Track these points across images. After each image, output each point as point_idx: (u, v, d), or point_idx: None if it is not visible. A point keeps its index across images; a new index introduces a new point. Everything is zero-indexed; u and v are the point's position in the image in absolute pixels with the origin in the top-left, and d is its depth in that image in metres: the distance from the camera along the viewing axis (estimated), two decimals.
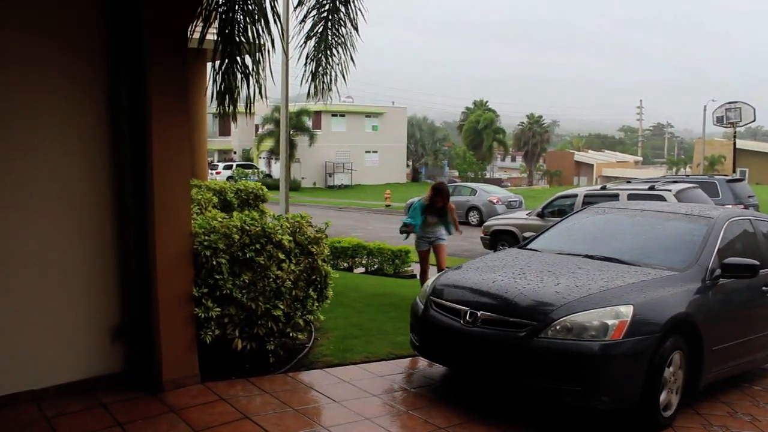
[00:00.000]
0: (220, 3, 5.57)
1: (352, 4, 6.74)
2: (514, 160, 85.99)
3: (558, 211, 15.07)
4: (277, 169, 40.79)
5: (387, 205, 36.39)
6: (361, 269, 13.64)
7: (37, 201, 5.05)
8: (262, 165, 54.55)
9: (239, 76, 5.72)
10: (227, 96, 5.72)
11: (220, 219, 5.96)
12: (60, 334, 5.19)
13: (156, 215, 5.25)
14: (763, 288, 6.18)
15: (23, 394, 5.03)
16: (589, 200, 13.90)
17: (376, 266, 13.51)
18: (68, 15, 5.13)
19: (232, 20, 5.54)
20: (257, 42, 5.59)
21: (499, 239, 16.43)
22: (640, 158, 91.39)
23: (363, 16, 6.85)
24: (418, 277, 10.77)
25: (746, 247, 6.41)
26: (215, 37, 5.64)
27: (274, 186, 29.84)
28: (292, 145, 41.22)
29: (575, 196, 15.43)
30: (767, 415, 5.66)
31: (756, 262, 5.80)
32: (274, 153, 46.86)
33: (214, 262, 5.57)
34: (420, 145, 67.79)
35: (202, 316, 5.52)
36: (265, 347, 6.02)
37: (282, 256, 5.96)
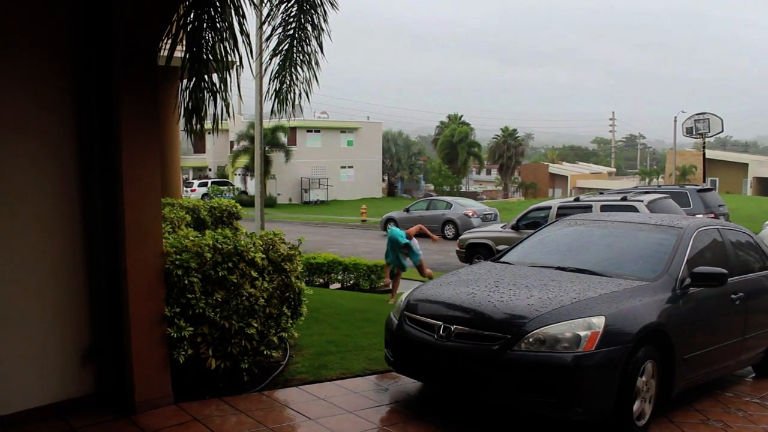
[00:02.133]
0: (188, 21, 5.57)
1: (318, 21, 6.79)
2: (489, 173, 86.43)
3: (532, 223, 15.17)
4: (252, 186, 40.61)
5: (363, 221, 36.35)
6: (337, 285, 13.63)
7: (5, 222, 4.98)
8: (237, 182, 54.32)
9: (207, 94, 5.71)
10: (195, 114, 5.71)
11: (192, 238, 5.93)
12: (28, 357, 5.10)
13: (127, 235, 5.20)
14: (732, 296, 6.27)
15: None
16: (563, 212, 14.03)
17: (352, 282, 13.51)
18: (36, 32, 5.08)
19: (200, 38, 5.54)
20: (225, 60, 5.59)
21: (474, 252, 16.48)
22: (614, 169, 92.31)
23: (329, 35, 6.91)
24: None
25: (715, 256, 6.50)
26: (183, 55, 5.63)
27: (249, 203, 29.75)
28: (267, 162, 41.17)
29: (549, 208, 15.54)
30: (739, 422, 5.73)
31: (725, 271, 5.89)
32: (249, 170, 46.67)
33: (186, 281, 5.53)
34: (396, 160, 67.92)
35: (175, 335, 5.47)
36: (240, 366, 5.98)
37: (255, 274, 5.94)
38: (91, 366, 5.44)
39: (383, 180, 65.86)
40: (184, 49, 5.63)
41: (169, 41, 5.43)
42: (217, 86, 5.75)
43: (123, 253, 5.23)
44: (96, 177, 5.34)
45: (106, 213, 5.35)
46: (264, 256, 6.03)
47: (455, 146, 66.10)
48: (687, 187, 18.51)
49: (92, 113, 5.29)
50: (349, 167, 59.22)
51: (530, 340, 4.94)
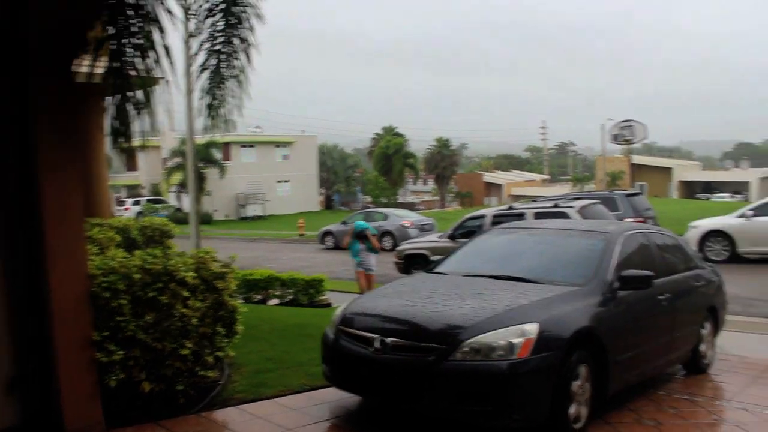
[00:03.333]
0: (108, 36, 5.43)
1: (246, 35, 6.73)
2: (426, 183, 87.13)
3: (468, 232, 15.30)
4: (187, 203, 39.96)
5: (301, 234, 36.14)
6: (276, 301, 13.44)
7: None
8: (172, 199, 53.36)
9: (133, 110, 5.59)
10: (121, 132, 5.58)
11: (119, 258, 5.76)
12: None
13: (48, 259, 5.02)
14: (659, 297, 6.44)
15: None
16: (497, 220, 14.20)
17: (290, 297, 13.33)
18: None
19: (121, 53, 5.41)
20: (149, 75, 5.48)
21: (412, 263, 16.53)
22: (547, 176, 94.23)
23: (257, 48, 6.85)
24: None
25: (642, 259, 6.67)
26: (104, 71, 5.49)
27: (185, 220, 29.24)
28: (201, 178, 40.57)
29: (484, 216, 15.72)
30: (671, 419, 5.88)
31: (651, 273, 6.05)
32: (183, 186, 45.90)
33: (115, 304, 5.37)
34: (332, 173, 67.89)
35: (105, 360, 5.30)
36: (175, 388, 5.83)
37: (186, 294, 5.81)
38: (16, 396, 5.21)
39: (320, 193, 65.69)
40: (105, 65, 5.50)
41: (91, 57, 5.28)
42: (143, 102, 5.63)
43: (46, 278, 5.04)
44: (14, 201, 5.13)
45: (26, 236, 5.15)
46: (195, 275, 5.91)
47: (390, 158, 66.41)
48: (616, 192, 19.03)
49: (6, 135, 5.08)
50: (285, 181, 58.87)
51: (465, 349, 4.97)
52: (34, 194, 5.04)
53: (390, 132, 71.08)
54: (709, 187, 64.16)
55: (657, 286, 6.31)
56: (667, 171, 65.09)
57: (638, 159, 55.87)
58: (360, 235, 12.33)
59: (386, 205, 51.66)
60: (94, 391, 5.31)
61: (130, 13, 5.31)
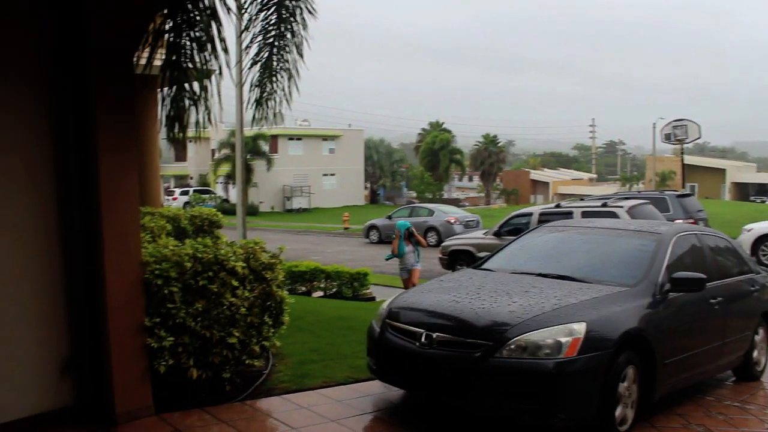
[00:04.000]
0: (167, 29, 5.54)
1: (298, 29, 6.78)
2: (471, 180, 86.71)
3: (514, 229, 15.22)
4: (234, 194, 40.44)
5: (346, 228, 36.31)
6: (320, 293, 13.56)
7: None
8: (219, 190, 54.11)
9: (187, 102, 5.68)
10: (176, 122, 5.68)
11: (171, 247, 5.88)
12: (6, 369, 5.02)
13: (105, 245, 5.15)
14: (711, 301, 6.32)
15: None
16: (544, 218, 14.08)
17: (334, 290, 13.45)
18: (8, 45, 5.03)
19: (179, 46, 5.51)
20: (205, 68, 5.57)
21: (456, 259, 16.51)
22: (595, 175, 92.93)
23: (308, 42, 6.90)
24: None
25: (694, 261, 6.55)
26: (162, 64, 5.60)
27: (231, 211, 29.61)
28: (249, 170, 41.06)
29: (530, 214, 15.61)
30: (720, 425, 5.77)
31: (703, 276, 5.93)
32: (231, 178, 46.50)
33: (166, 291, 5.48)
34: (377, 167, 67.98)
35: (155, 345, 5.42)
36: (221, 375, 5.93)
37: (236, 283, 5.89)
38: (70, 378, 5.36)
39: (365, 187, 65.87)
40: (163, 57, 5.61)
41: (148, 50, 5.39)
42: (198, 94, 5.72)
43: (101, 263, 5.18)
44: (74, 188, 5.29)
45: (84, 224, 5.29)
46: (245, 265, 6.00)
47: (437, 153, 66.28)
48: (666, 192, 18.67)
49: (69, 124, 5.24)
50: (331, 175, 59.20)
51: (512, 347, 4.94)
52: (94, 183, 5.18)
53: (437, 127, 70.92)
54: (764, 190, 62.37)
55: (709, 290, 6.19)
56: (720, 172, 63.49)
57: (690, 159, 54.63)
58: (409, 235, 12.29)
59: (431, 201, 51.61)
60: (144, 375, 5.43)
61: (189, 6, 5.40)
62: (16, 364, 5.08)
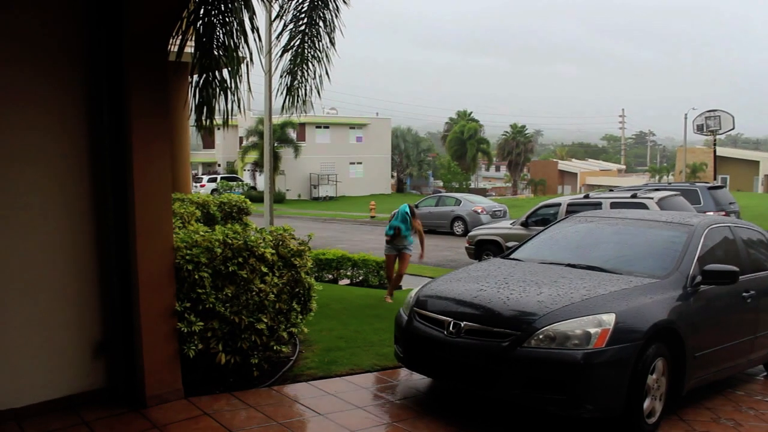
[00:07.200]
0: (199, 17, 5.57)
1: (330, 17, 6.78)
2: (498, 170, 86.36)
3: (542, 220, 15.14)
4: (261, 182, 40.65)
5: (372, 216, 36.36)
6: (346, 281, 13.61)
7: (18, 216, 5.01)
8: (246, 177, 54.43)
9: (217, 89, 5.71)
10: (205, 109, 5.71)
11: (202, 233, 5.94)
12: (41, 351, 5.14)
13: (137, 230, 5.22)
14: (743, 294, 6.23)
15: (5, 413, 4.97)
16: (573, 209, 13.96)
17: (361, 278, 13.49)
18: (46, 34, 5.09)
19: (210, 34, 5.54)
20: (235, 56, 5.59)
21: (483, 249, 16.46)
22: (624, 166, 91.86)
23: (341, 30, 6.89)
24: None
25: (726, 254, 6.46)
26: (193, 51, 5.63)
27: (258, 198, 29.77)
28: (276, 158, 41.19)
29: (558, 205, 15.49)
30: (750, 420, 5.70)
31: (736, 269, 5.85)
32: (258, 165, 46.76)
33: (197, 276, 5.55)
34: (404, 156, 67.92)
35: (185, 330, 5.49)
36: (249, 361, 6.00)
37: (265, 270, 5.95)
38: (102, 360, 5.47)
39: (392, 176, 65.86)
40: (194, 44, 5.64)
41: (180, 37, 5.43)
42: (228, 82, 5.75)
43: (133, 247, 5.26)
44: (107, 173, 5.36)
45: (117, 208, 5.36)
46: (274, 251, 6.04)
47: (464, 143, 66.05)
48: (697, 184, 18.40)
49: (103, 110, 5.30)
50: (358, 163, 59.26)
51: (540, 336, 4.93)
52: (127, 169, 5.24)
53: (465, 116, 70.64)
54: None
55: (741, 283, 6.10)
56: (753, 164, 62.31)
57: (722, 151, 53.75)
58: (405, 218, 10.58)
59: (458, 190, 51.45)
60: (174, 359, 5.51)
61: None
62: (51, 346, 5.19)
